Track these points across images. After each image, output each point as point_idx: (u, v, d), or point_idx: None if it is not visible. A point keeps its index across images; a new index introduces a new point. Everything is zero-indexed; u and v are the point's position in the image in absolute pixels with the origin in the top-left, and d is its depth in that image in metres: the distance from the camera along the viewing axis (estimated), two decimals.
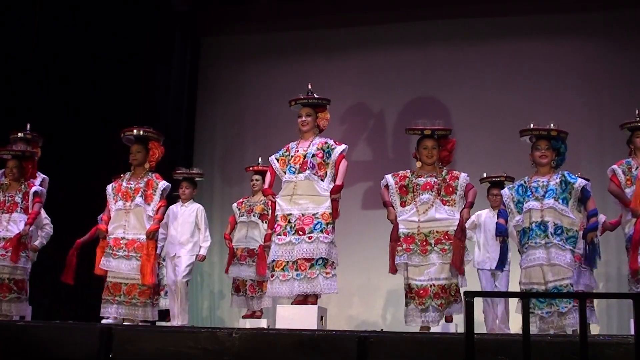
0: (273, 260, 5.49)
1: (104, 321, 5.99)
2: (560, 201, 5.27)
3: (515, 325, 7.19)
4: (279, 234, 5.51)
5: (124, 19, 9.89)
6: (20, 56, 8.74)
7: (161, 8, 10.47)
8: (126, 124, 6.53)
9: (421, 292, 5.35)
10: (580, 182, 5.33)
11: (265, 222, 7.25)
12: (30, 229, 6.48)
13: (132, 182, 6.17)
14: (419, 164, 5.64)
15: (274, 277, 5.47)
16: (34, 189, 6.59)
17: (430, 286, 5.34)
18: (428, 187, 5.47)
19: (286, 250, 5.44)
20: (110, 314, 6.00)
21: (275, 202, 5.60)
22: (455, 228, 5.39)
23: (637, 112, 6.11)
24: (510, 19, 9.90)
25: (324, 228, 5.41)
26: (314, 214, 5.46)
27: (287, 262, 5.44)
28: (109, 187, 6.26)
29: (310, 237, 5.40)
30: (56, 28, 9.18)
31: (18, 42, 8.73)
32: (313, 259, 5.39)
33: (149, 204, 6.11)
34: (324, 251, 5.37)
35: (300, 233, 5.43)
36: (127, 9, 9.90)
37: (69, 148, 8.77)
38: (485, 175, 7.29)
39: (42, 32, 9.00)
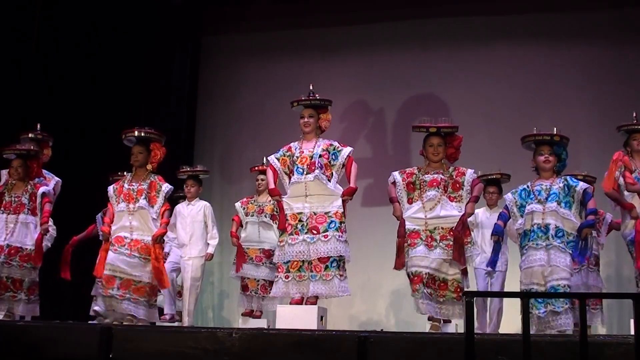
0: (288, 261, 5.49)
1: (95, 307, 5.95)
2: (563, 205, 5.34)
3: (515, 325, 7.18)
4: (290, 234, 5.51)
5: (124, 19, 9.90)
6: (20, 56, 8.74)
7: (162, 8, 10.47)
8: (127, 124, 6.51)
9: (415, 278, 5.35)
10: (582, 186, 5.41)
11: (276, 223, 7.22)
12: (50, 224, 6.50)
13: (134, 184, 6.10)
14: (426, 161, 5.65)
15: (289, 278, 5.48)
16: (41, 189, 6.57)
17: (425, 274, 5.33)
18: (435, 184, 5.48)
19: (301, 249, 5.44)
20: (99, 305, 5.98)
21: (282, 202, 5.60)
22: None
23: (634, 114, 6.12)
24: (510, 17, 9.89)
25: (339, 227, 5.45)
26: (325, 213, 5.49)
27: (303, 262, 5.45)
28: (110, 189, 6.20)
29: (325, 236, 5.42)
30: (57, 28, 9.18)
31: (18, 42, 8.72)
32: (328, 258, 5.40)
33: (152, 207, 6.05)
34: (342, 250, 5.41)
35: (314, 232, 5.44)
36: (127, 9, 9.90)
37: (70, 148, 8.75)
38: (480, 173, 7.29)
39: (42, 32, 8.99)
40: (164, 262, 7.14)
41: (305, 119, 5.72)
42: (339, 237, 5.42)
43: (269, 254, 7.22)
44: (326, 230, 5.44)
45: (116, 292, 5.83)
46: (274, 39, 10.66)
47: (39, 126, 7.10)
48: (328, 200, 5.52)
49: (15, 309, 6.40)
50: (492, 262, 5.70)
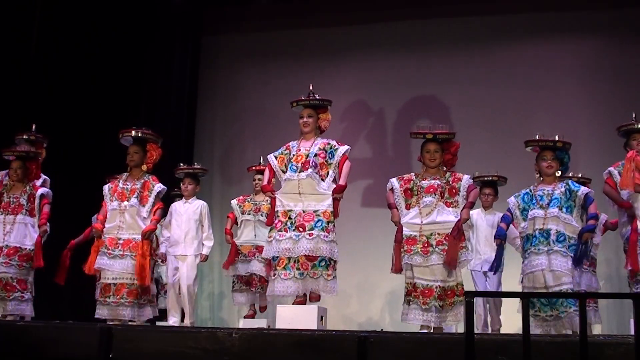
0: (276, 257, 5.51)
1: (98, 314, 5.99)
2: (564, 210, 5.40)
3: (515, 325, 7.18)
4: (279, 230, 5.53)
5: (124, 19, 9.90)
6: (20, 56, 8.74)
7: (162, 8, 10.48)
8: (127, 124, 6.51)
9: (426, 292, 5.38)
10: (583, 190, 5.47)
11: None
12: (47, 227, 6.53)
13: (128, 183, 6.17)
14: (423, 167, 5.68)
15: (275, 276, 5.49)
16: (40, 191, 6.62)
17: (436, 287, 5.37)
18: (431, 190, 5.51)
19: (287, 246, 5.46)
20: (103, 315, 5.99)
21: (275, 199, 5.63)
22: None
23: (633, 115, 6.14)
24: (510, 17, 9.90)
25: (325, 226, 5.45)
26: (314, 211, 5.51)
27: (289, 259, 5.46)
28: (105, 188, 6.27)
29: (310, 234, 5.43)
30: (57, 28, 9.17)
31: (18, 42, 8.72)
32: (315, 257, 5.41)
33: (143, 206, 6.10)
34: (325, 250, 5.42)
35: (301, 229, 5.46)
36: (127, 9, 9.90)
37: (70, 148, 8.76)
38: (477, 173, 7.29)
39: (42, 32, 8.99)
40: (155, 260, 7.17)
41: (305, 119, 5.74)
42: (324, 236, 5.42)
43: (262, 250, 7.21)
44: (312, 229, 5.45)
45: (112, 298, 5.93)
46: (274, 39, 10.66)
47: (34, 127, 7.10)
48: (318, 200, 5.54)
49: (21, 309, 6.40)
50: (496, 266, 5.73)
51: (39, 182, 6.82)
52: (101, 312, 5.98)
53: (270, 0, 10.54)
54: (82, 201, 8.12)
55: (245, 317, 7.53)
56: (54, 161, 7.35)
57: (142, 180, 6.17)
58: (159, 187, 6.19)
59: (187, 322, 7.02)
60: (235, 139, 10.68)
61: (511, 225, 5.76)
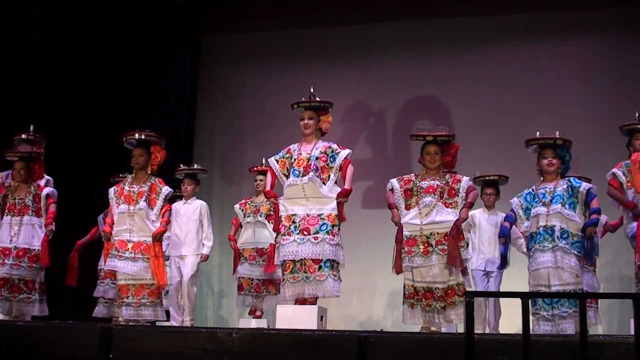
0: (283, 261, 5.52)
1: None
2: (567, 206, 5.40)
3: (515, 326, 7.18)
4: (283, 235, 5.54)
5: (124, 19, 9.90)
6: (20, 56, 8.74)
7: (162, 8, 10.48)
8: (127, 124, 6.53)
9: (427, 294, 5.40)
10: (585, 186, 5.48)
11: (272, 223, 7.21)
12: (53, 226, 6.55)
13: (134, 186, 6.16)
14: (423, 168, 5.70)
15: (284, 281, 5.51)
16: (45, 191, 6.65)
17: (435, 289, 5.39)
18: (431, 190, 5.53)
19: (291, 250, 5.47)
20: (122, 316, 6.00)
21: (278, 204, 5.62)
22: None
23: (637, 115, 6.15)
24: (510, 17, 9.89)
25: (330, 230, 5.45)
26: (319, 215, 5.50)
27: (295, 263, 5.46)
28: (111, 191, 6.25)
29: (316, 238, 5.43)
30: (57, 28, 9.18)
31: (18, 42, 8.73)
32: (321, 260, 5.41)
33: (152, 209, 6.10)
34: (330, 253, 5.41)
35: (305, 233, 5.46)
36: (127, 9, 9.90)
37: (71, 148, 8.77)
38: (478, 173, 7.29)
39: (42, 32, 8.99)
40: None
41: (305, 121, 5.73)
42: (329, 240, 5.42)
43: (262, 252, 7.22)
44: (317, 232, 5.45)
45: (132, 299, 5.93)
46: (274, 39, 10.66)
47: (32, 127, 7.11)
48: (322, 203, 5.53)
49: (29, 310, 6.46)
50: (503, 263, 5.76)
51: (42, 182, 6.83)
52: (122, 314, 5.98)
53: (270, 0, 10.53)
54: (82, 201, 8.12)
55: (249, 314, 7.53)
56: (54, 161, 7.35)
57: (149, 183, 6.16)
58: (166, 189, 6.19)
59: (186, 320, 7.03)
60: (235, 139, 10.67)
61: (513, 226, 5.77)
